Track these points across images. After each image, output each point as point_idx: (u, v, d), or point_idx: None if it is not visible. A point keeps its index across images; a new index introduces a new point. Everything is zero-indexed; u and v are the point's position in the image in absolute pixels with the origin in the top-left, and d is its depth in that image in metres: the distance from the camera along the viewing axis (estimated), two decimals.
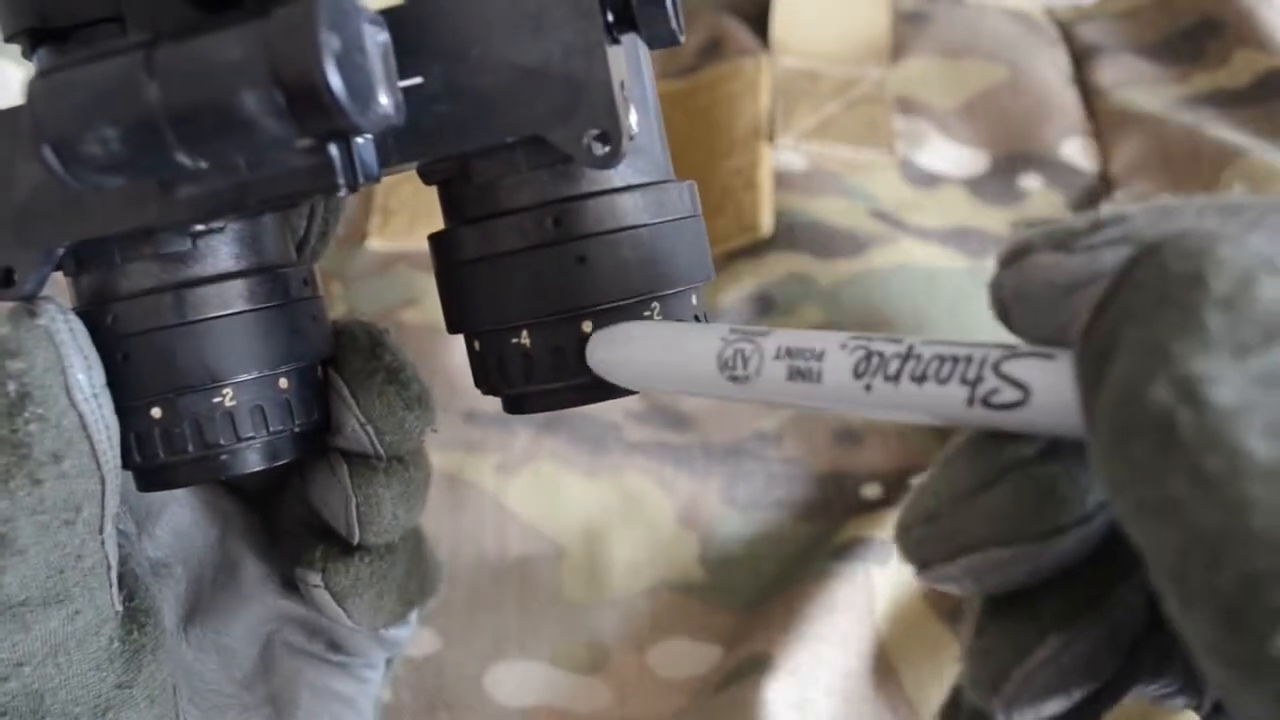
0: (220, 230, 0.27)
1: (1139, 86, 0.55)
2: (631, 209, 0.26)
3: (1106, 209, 0.20)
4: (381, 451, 0.29)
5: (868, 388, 0.21)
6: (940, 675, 0.41)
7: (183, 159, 0.22)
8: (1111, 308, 0.18)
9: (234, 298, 0.27)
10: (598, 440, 0.46)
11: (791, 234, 0.50)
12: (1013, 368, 0.20)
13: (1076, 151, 0.53)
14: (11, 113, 0.26)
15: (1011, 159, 0.53)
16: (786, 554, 0.45)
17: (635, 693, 0.43)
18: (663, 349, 0.24)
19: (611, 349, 0.26)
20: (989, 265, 0.50)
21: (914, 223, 0.51)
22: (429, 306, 0.49)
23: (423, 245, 0.50)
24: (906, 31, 0.57)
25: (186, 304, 0.26)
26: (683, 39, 0.26)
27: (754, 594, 0.44)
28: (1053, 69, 0.56)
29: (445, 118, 0.25)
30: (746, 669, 0.40)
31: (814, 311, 0.48)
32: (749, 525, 0.45)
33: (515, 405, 0.28)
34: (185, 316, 0.26)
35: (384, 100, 0.23)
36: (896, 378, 0.21)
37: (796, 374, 0.22)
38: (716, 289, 0.49)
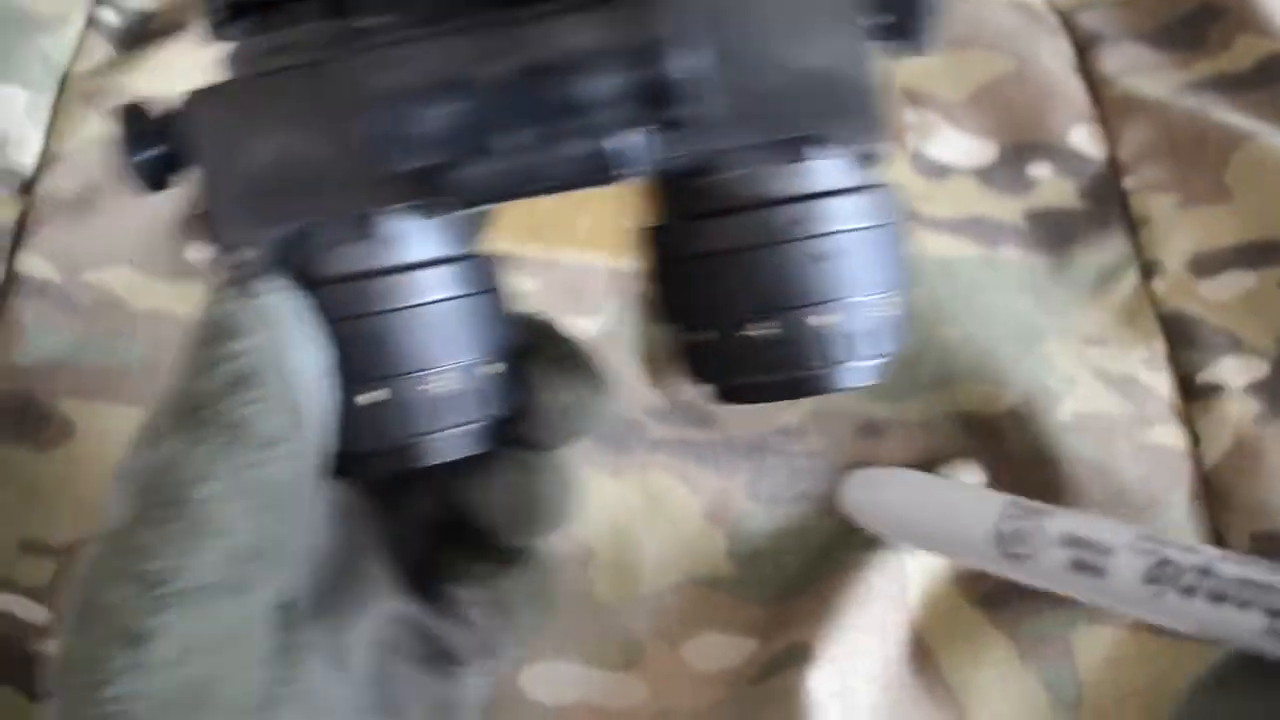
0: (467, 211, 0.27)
1: (1142, 73, 0.55)
2: (867, 209, 0.26)
3: None
4: (568, 437, 0.29)
5: (1157, 595, 0.20)
6: (977, 660, 0.41)
7: (498, 141, 0.23)
8: None
9: (443, 283, 0.26)
10: (621, 439, 0.46)
11: None
12: None
13: (1084, 139, 0.54)
14: (246, 84, 0.25)
15: (1020, 148, 0.54)
16: (813, 546, 0.45)
17: (671, 687, 0.43)
18: (934, 509, 0.24)
19: (872, 493, 0.25)
20: (1003, 254, 0.51)
21: (926, 213, 0.51)
22: None
23: None
24: None
25: (399, 289, 0.26)
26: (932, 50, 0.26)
27: (783, 587, 0.44)
28: (1056, 58, 0.56)
29: (712, 115, 0.25)
30: (785, 660, 0.40)
31: None
32: (774, 519, 0.46)
33: (733, 395, 0.28)
34: (397, 302, 0.26)
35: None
36: (1192, 592, 0.20)
37: (1082, 566, 0.21)
38: None
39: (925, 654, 0.41)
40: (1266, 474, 0.44)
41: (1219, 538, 0.44)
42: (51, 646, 0.27)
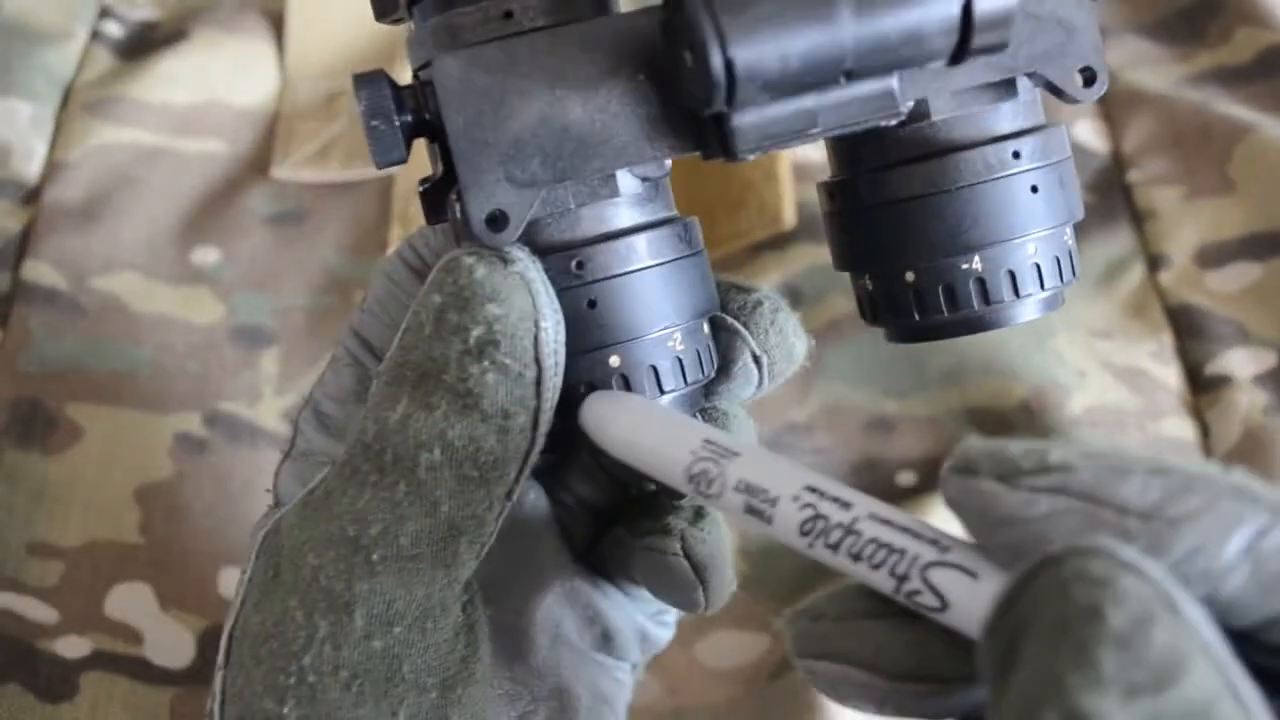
0: (666, 175, 0.27)
1: (1144, 67, 0.55)
2: (1042, 148, 0.28)
3: (1055, 452, 0.19)
4: (768, 381, 0.29)
5: (810, 546, 0.22)
6: None
7: (843, 82, 0.23)
8: (1013, 613, 0.18)
9: (674, 243, 0.27)
10: None
11: (815, 225, 0.50)
12: (938, 577, 0.20)
13: (1088, 133, 0.54)
14: (496, 49, 0.25)
15: None
16: None
17: (685, 684, 0.42)
18: (645, 436, 0.24)
19: (603, 412, 0.25)
20: None
21: None
22: None
23: None
24: None
25: (645, 248, 0.26)
26: None
27: (796, 583, 0.44)
28: None
29: (1008, 48, 0.26)
30: None
31: (841, 301, 0.48)
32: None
33: (911, 334, 0.29)
34: (645, 261, 0.26)
35: None
36: (835, 549, 0.21)
37: (752, 511, 0.22)
38: None
39: None
40: (1277, 464, 0.44)
41: None
42: (229, 615, 0.26)
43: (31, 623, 0.40)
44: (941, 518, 0.41)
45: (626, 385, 0.26)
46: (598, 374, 0.26)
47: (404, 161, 0.26)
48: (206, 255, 0.50)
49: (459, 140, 0.25)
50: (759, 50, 0.22)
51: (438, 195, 0.27)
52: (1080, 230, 0.52)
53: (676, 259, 0.27)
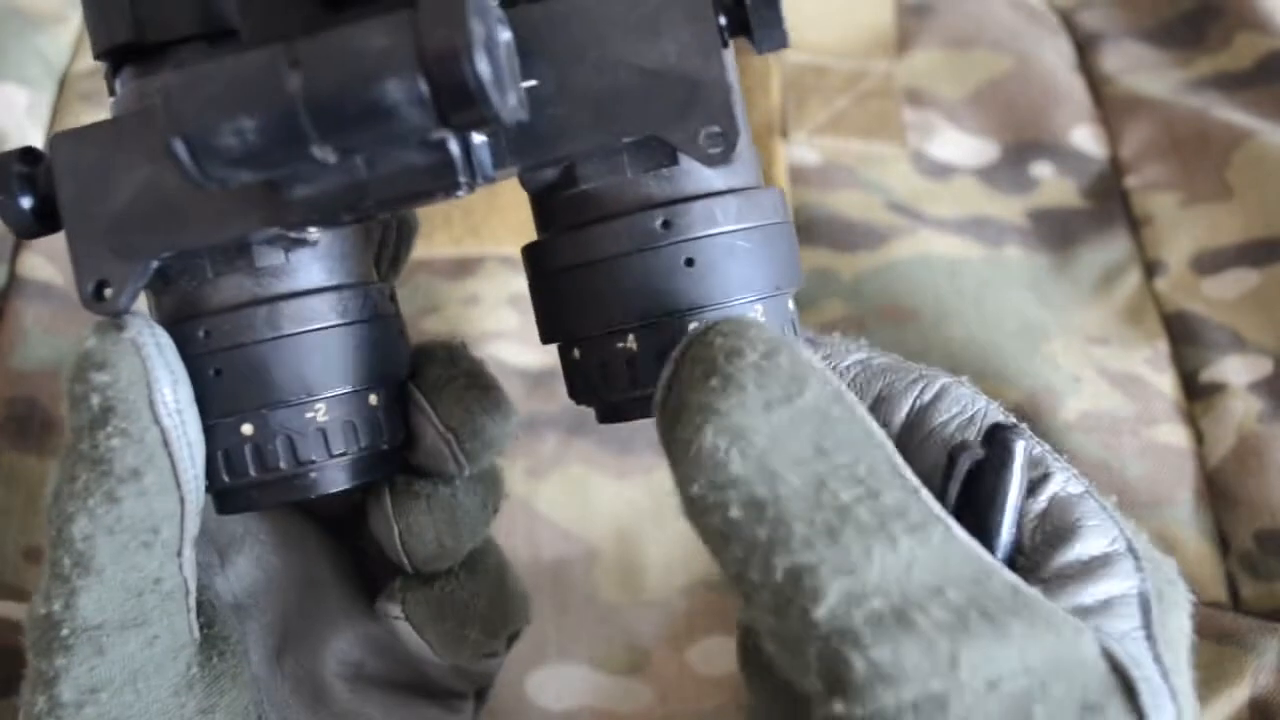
0: (314, 244, 0.27)
1: (1143, 72, 0.55)
2: (735, 212, 0.26)
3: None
4: (463, 461, 0.29)
5: None
6: None
7: (317, 151, 0.22)
8: (675, 380, 0.23)
9: (327, 311, 0.26)
10: (625, 441, 0.46)
11: (810, 229, 0.50)
12: None
13: (1086, 138, 0.54)
14: (108, 125, 0.26)
15: (1021, 147, 0.54)
16: None
17: (677, 691, 0.42)
18: None
19: None
20: (1007, 254, 0.50)
21: (930, 214, 0.51)
22: (450, 315, 0.49)
23: (440, 254, 0.50)
24: (911, 23, 0.58)
25: (282, 317, 0.26)
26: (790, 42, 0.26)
27: None
28: (1057, 57, 0.56)
29: (560, 119, 0.25)
30: None
31: (837, 305, 0.48)
32: None
33: (613, 412, 0.28)
34: (281, 330, 0.26)
35: (514, 95, 0.23)
36: None
37: None
38: None
39: None
40: (1270, 472, 0.44)
41: (1223, 536, 0.44)
42: None
43: None
44: None
45: (259, 454, 0.26)
46: (231, 442, 0.26)
47: (45, 235, 0.27)
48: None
49: (68, 213, 0.26)
50: (210, 127, 0.22)
51: None
52: (1077, 235, 0.52)
53: (325, 327, 0.26)
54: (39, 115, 0.52)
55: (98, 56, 0.27)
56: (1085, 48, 0.57)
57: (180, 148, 0.22)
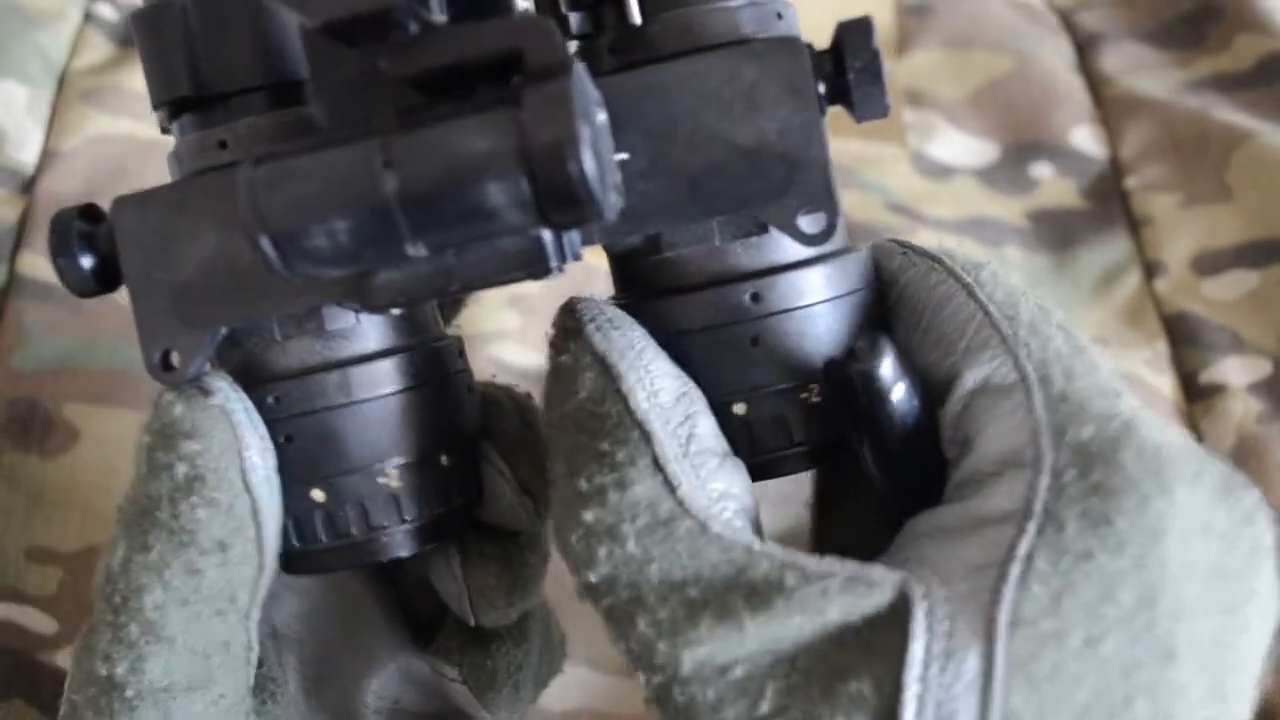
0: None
1: (1143, 72, 0.55)
2: (823, 283, 0.25)
3: None
4: (537, 523, 0.28)
5: None
6: None
7: (411, 250, 0.21)
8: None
9: (398, 375, 0.26)
10: None
11: None
12: None
13: (1086, 139, 0.54)
14: (172, 190, 0.25)
15: (1021, 148, 0.54)
16: None
17: None
18: None
19: None
20: (1006, 254, 0.51)
21: (930, 214, 0.51)
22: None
23: None
24: (911, 24, 0.58)
25: (353, 382, 0.25)
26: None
27: None
28: (1057, 58, 0.56)
29: (651, 195, 0.24)
30: None
31: None
32: (781, 522, 0.45)
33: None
34: (353, 396, 0.25)
35: (614, 186, 0.22)
36: None
37: None
38: None
39: None
40: (1270, 472, 0.44)
41: None
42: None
43: (33, 635, 0.40)
44: None
45: (330, 521, 0.26)
46: (302, 508, 0.25)
47: (103, 294, 0.26)
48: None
49: (132, 281, 0.25)
50: (300, 228, 0.21)
51: None
52: (1076, 236, 0.52)
53: (396, 392, 0.26)
54: (39, 113, 0.52)
55: (155, 107, 0.26)
56: (1085, 48, 0.57)
57: (268, 245, 0.21)
